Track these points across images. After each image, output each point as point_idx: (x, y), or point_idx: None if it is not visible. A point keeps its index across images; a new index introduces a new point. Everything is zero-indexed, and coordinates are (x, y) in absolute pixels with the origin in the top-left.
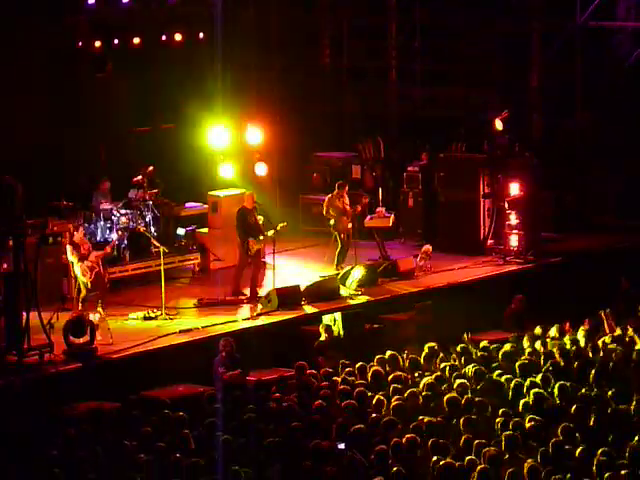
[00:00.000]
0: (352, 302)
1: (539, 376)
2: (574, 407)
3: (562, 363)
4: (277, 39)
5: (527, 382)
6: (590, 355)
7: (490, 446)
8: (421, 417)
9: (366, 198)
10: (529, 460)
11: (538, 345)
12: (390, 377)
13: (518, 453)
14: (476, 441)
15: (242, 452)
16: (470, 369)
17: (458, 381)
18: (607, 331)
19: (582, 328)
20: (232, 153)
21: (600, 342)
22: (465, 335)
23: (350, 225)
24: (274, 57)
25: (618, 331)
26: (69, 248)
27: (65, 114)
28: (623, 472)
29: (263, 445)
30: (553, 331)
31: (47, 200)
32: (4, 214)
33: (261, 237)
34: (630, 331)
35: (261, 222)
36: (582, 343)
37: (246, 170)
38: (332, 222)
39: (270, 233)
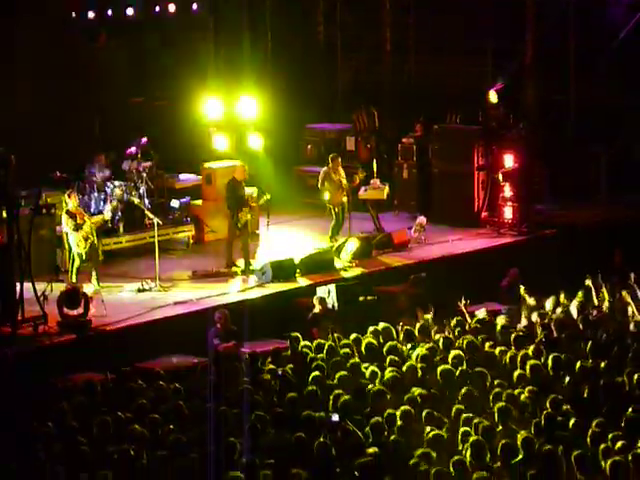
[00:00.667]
0: (346, 274)
1: (533, 348)
2: (567, 379)
3: (556, 335)
4: (271, 11)
5: (521, 354)
6: (582, 327)
7: (483, 418)
8: (414, 389)
9: (362, 172)
10: (522, 432)
11: (533, 317)
12: (385, 348)
13: (511, 425)
14: (469, 413)
15: (237, 423)
16: (463, 341)
17: (453, 353)
18: (596, 302)
19: (576, 299)
20: (226, 125)
21: (593, 313)
22: (461, 302)
23: (345, 198)
24: (268, 29)
25: (606, 297)
26: (64, 217)
27: (59, 85)
28: (618, 444)
29: (258, 416)
30: (548, 303)
31: (41, 172)
32: None
33: (248, 208)
34: (627, 298)
35: (255, 194)
36: (575, 315)
37: (240, 142)
38: (326, 195)
39: (262, 201)
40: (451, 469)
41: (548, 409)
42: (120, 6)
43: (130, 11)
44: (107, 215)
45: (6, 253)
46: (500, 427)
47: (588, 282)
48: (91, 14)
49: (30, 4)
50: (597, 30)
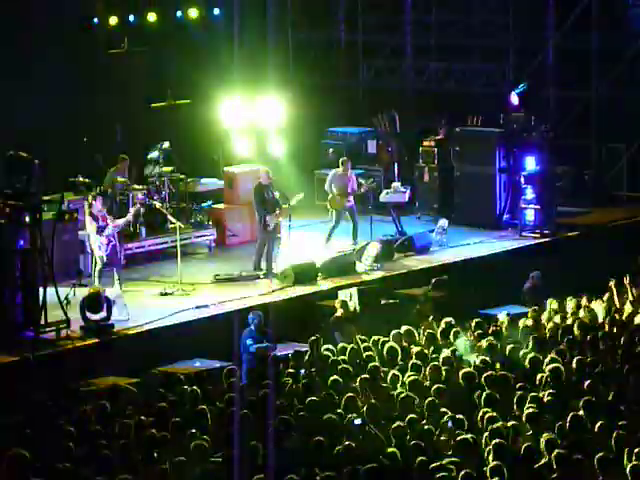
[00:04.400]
0: (368, 277)
1: (556, 350)
2: (590, 381)
3: (580, 337)
4: (292, 14)
5: (544, 356)
6: (607, 328)
7: (507, 420)
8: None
9: (372, 182)
10: (545, 434)
11: (556, 319)
12: (409, 352)
13: (535, 427)
14: (492, 415)
15: (259, 428)
16: (485, 343)
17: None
18: (618, 304)
19: (600, 301)
20: (247, 129)
21: (617, 315)
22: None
23: (350, 203)
24: (289, 32)
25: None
26: (88, 219)
27: (81, 90)
28: None
29: (280, 421)
30: (570, 305)
31: (63, 176)
32: (20, 190)
33: (277, 211)
34: None
35: (278, 197)
36: (600, 317)
37: (261, 146)
38: (330, 198)
39: (286, 206)
40: None
41: (577, 412)
42: (142, 12)
43: (152, 17)
44: (129, 219)
45: (29, 258)
46: (523, 430)
47: (611, 284)
48: (113, 20)
49: (54, 11)
50: (619, 28)
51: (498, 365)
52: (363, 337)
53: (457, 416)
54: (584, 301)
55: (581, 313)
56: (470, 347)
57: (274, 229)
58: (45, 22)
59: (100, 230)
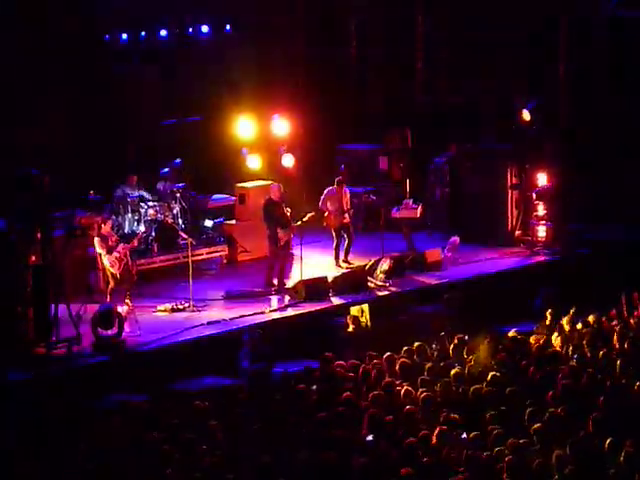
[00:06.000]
0: (380, 293)
1: (566, 367)
2: (601, 398)
3: (590, 353)
4: (303, 30)
5: (555, 372)
6: (617, 345)
7: (518, 437)
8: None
9: (367, 197)
10: (557, 451)
11: (566, 336)
12: (420, 368)
13: (546, 444)
14: (504, 431)
15: (270, 443)
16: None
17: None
18: (628, 319)
19: (610, 317)
20: (259, 145)
21: (627, 331)
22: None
23: (346, 220)
24: (300, 48)
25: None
26: (97, 240)
27: (91, 107)
28: None
29: (290, 436)
30: (581, 321)
31: (74, 193)
32: (32, 207)
33: (288, 228)
34: None
35: (289, 213)
36: (610, 332)
37: (273, 162)
38: (327, 216)
39: (297, 224)
40: None
41: (588, 428)
42: (153, 28)
43: (163, 33)
44: (139, 238)
45: (41, 274)
46: (535, 446)
47: (622, 298)
48: (124, 37)
49: (63, 28)
50: (631, 45)
51: (510, 381)
52: (375, 353)
53: (469, 432)
54: (594, 317)
55: (591, 329)
56: None
57: (285, 245)
58: (58, 39)
59: (110, 250)
